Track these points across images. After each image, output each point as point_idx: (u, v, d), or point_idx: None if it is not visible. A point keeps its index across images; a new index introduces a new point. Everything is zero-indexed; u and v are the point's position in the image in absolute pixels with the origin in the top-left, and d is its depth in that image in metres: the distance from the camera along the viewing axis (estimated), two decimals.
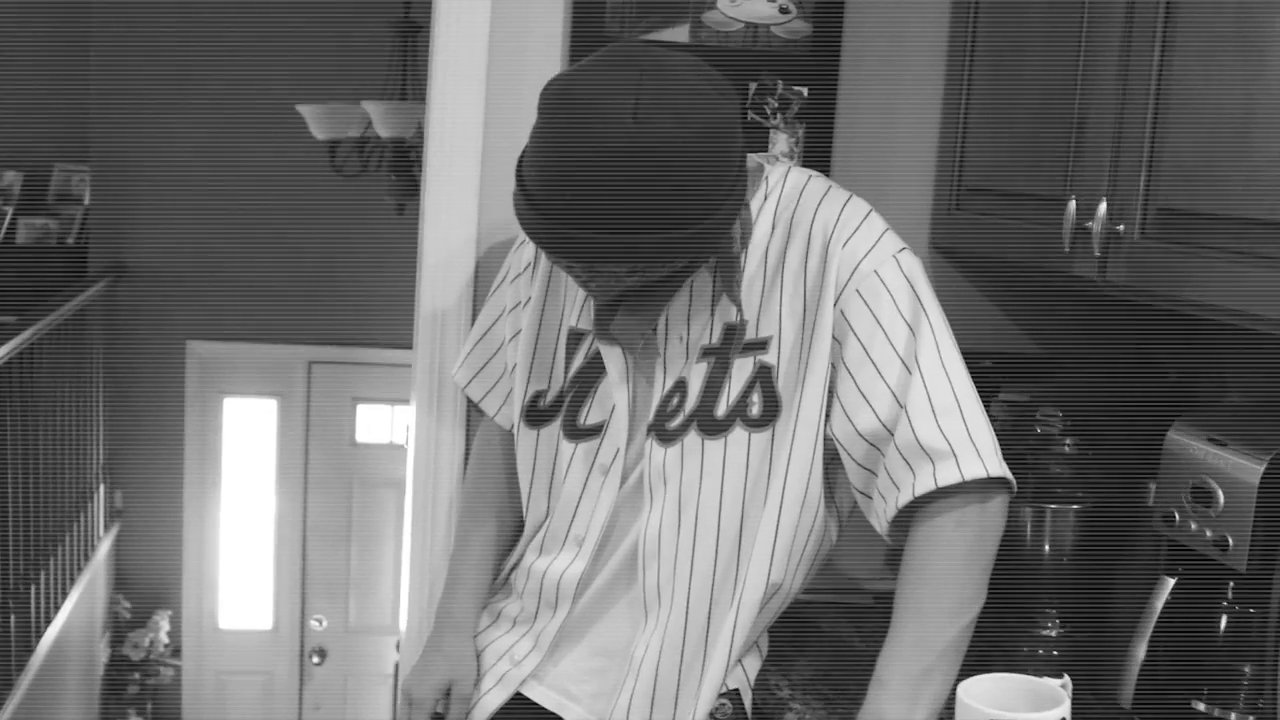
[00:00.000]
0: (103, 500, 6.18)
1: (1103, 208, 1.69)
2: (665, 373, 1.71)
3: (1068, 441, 1.96)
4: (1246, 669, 1.66)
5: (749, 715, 1.76)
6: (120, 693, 6.32)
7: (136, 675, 6.35)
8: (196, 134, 6.03)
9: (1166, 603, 1.66)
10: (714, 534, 1.70)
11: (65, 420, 5.51)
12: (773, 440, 1.68)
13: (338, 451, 6.71)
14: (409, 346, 2.17)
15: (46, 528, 5.18)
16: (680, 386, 1.70)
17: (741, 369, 1.68)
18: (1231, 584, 1.67)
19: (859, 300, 1.62)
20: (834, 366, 1.64)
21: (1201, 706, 1.66)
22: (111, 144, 6.17)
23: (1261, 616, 1.61)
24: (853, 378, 1.63)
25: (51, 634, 5.16)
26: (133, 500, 6.46)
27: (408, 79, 4.83)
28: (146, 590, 6.52)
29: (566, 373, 1.80)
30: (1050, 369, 2.17)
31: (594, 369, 1.77)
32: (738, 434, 1.68)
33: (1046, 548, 1.95)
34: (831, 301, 1.63)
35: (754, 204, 1.69)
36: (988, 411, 1.63)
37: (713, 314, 1.69)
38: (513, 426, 1.88)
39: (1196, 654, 1.68)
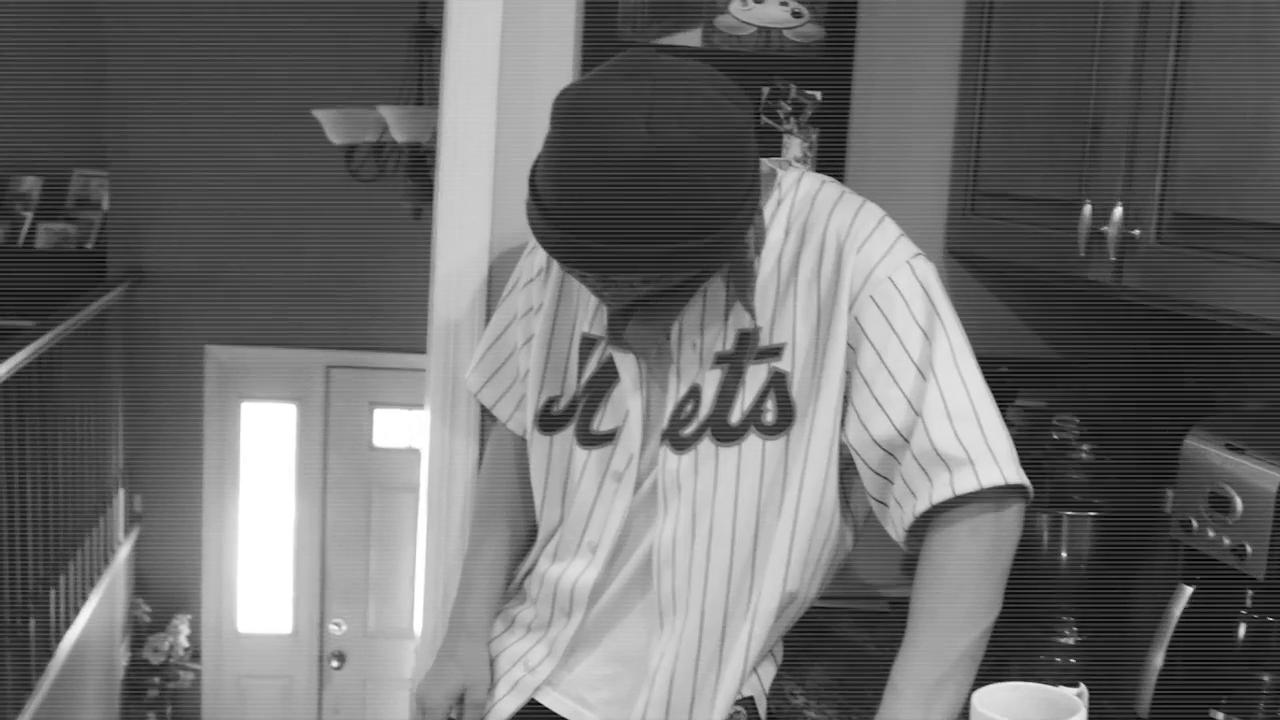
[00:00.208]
0: (122, 504, 6.20)
1: (1118, 212, 1.67)
2: (679, 379, 1.71)
3: (1084, 448, 1.95)
4: (1265, 678, 1.64)
5: None
6: (140, 696, 6.34)
7: (156, 679, 6.36)
8: (214, 139, 6.04)
9: (1184, 611, 1.65)
10: (729, 542, 1.70)
11: (85, 425, 5.53)
12: (788, 448, 1.67)
13: (356, 456, 6.72)
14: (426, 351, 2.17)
15: (66, 532, 5.20)
16: (694, 393, 1.70)
17: (756, 376, 1.67)
18: (1250, 592, 1.66)
19: (873, 307, 1.61)
20: (849, 373, 1.64)
21: (1220, 716, 1.64)
22: (130, 149, 6.19)
23: None
24: (868, 385, 1.62)
25: (71, 637, 5.18)
26: (152, 504, 6.48)
27: (423, 84, 4.83)
28: (166, 594, 6.54)
29: (579, 379, 1.79)
30: (1067, 374, 2.15)
31: (607, 375, 1.76)
32: (752, 441, 1.68)
33: (1063, 555, 1.94)
34: (846, 308, 1.62)
35: (767, 210, 1.68)
36: (1004, 417, 1.62)
37: (726, 320, 1.68)
38: (525, 432, 1.88)
39: (1215, 662, 1.66)
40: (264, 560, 6.78)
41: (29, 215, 6.73)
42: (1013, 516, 1.57)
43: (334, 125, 4.69)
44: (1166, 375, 2.08)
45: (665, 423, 1.71)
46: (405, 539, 6.56)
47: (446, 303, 2.13)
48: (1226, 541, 1.60)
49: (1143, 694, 1.66)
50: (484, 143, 2.10)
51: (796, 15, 2.14)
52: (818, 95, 2.17)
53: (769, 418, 1.67)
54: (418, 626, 2.21)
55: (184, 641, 6.45)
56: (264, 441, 6.68)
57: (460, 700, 1.88)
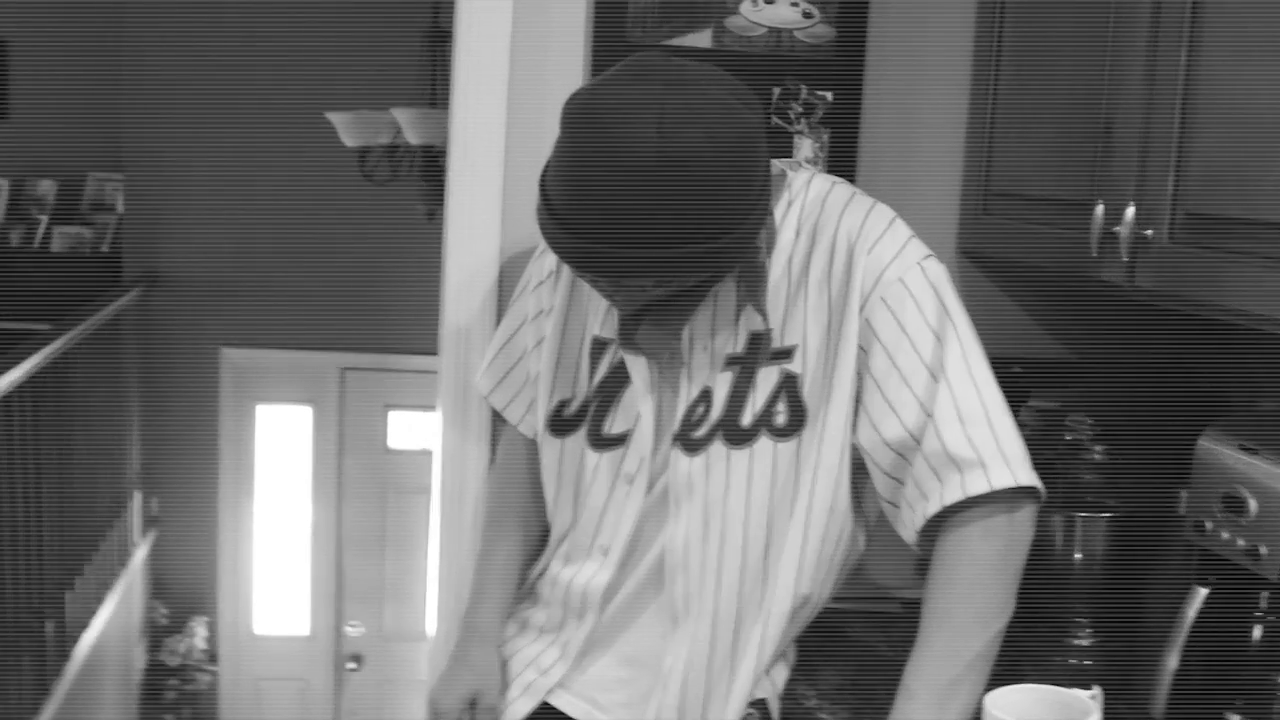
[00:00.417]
0: (138, 507, 6.22)
1: (1130, 212, 1.67)
2: (690, 382, 1.70)
3: (1098, 448, 1.94)
4: None
5: None
6: (158, 698, 6.36)
7: (173, 681, 6.38)
8: (228, 142, 6.06)
9: (1199, 612, 1.64)
10: (740, 545, 1.69)
11: (100, 428, 5.55)
12: (799, 450, 1.67)
13: (371, 458, 6.73)
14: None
15: (83, 534, 5.21)
16: (705, 396, 1.69)
17: (767, 378, 1.67)
18: (1265, 593, 1.65)
19: (884, 308, 1.61)
20: (860, 375, 1.63)
21: (1235, 718, 1.63)
22: (144, 152, 6.21)
23: None
24: (879, 387, 1.61)
25: (88, 640, 5.19)
26: (169, 507, 6.50)
27: (437, 86, 4.84)
28: (183, 596, 6.55)
29: (590, 382, 1.79)
30: (1080, 375, 2.15)
31: (618, 378, 1.76)
32: (763, 444, 1.67)
33: (1077, 556, 1.93)
34: (856, 310, 1.62)
35: (777, 211, 1.68)
36: (1016, 418, 1.61)
37: (737, 322, 1.68)
38: (536, 435, 1.88)
39: (1229, 664, 1.65)
40: (280, 562, 6.79)
41: (44, 218, 6.75)
42: (1025, 518, 1.57)
43: (347, 128, 4.70)
44: (1180, 376, 2.07)
45: (676, 425, 1.70)
46: (421, 541, 6.53)
47: (457, 306, 2.13)
48: (1241, 543, 1.59)
49: (1157, 696, 1.65)
50: (494, 145, 2.10)
51: (807, 16, 2.14)
52: (829, 96, 2.17)
53: (780, 420, 1.67)
54: (430, 629, 2.21)
55: (201, 644, 6.46)
56: (279, 444, 6.69)
57: (473, 705, 1.88)
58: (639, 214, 1.48)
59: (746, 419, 1.68)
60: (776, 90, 2.15)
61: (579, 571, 1.79)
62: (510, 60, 2.10)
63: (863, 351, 1.62)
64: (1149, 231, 1.64)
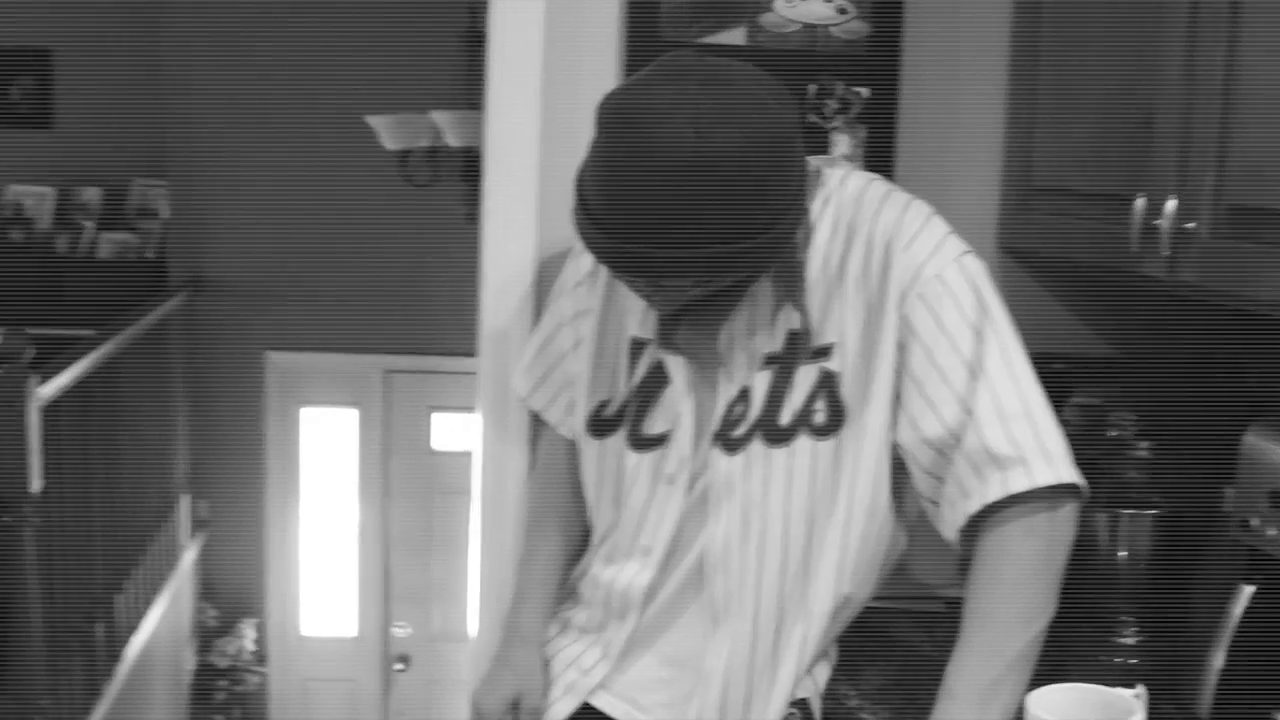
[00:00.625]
0: (187, 511, 6.27)
1: (1171, 205, 1.65)
2: (729, 381, 1.70)
3: (1142, 445, 1.92)
4: None
5: None
6: (208, 700, 6.40)
7: (224, 682, 6.42)
8: (270, 146, 6.09)
9: (1245, 610, 1.62)
10: (781, 544, 1.69)
11: (148, 432, 5.58)
12: (839, 449, 1.66)
13: (416, 459, 6.75)
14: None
15: (131, 538, 5.25)
16: (744, 394, 1.69)
17: (805, 376, 1.66)
18: None
19: (922, 305, 1.60)
20: (898, 373, 1.62)
21: None
22: (188, 159, 6.26)
23: None
24: (917, 385, 1.60)
25: (138, 643, 5.23)
26: (217, 510, 6.54)
27: (475, 88, 4.84)
28: (232, 599, 6.60)
29: (629, 382, 1.79)
30: (1124, 371, 2.12)
31: (657, 378, 1.75)
32: (803, 442, 1.66)
33: (1122, 554, 1.91)
34: (894, 307, 1.61)
35: (813, 209, 1.67)
36: (1060, 416, 1.60)
37: (775, 321, 1.67)
38: (576, 436, 1.88)
39: (1276, 663, 1.63)
40: (328, 564, 6.83)
41: (90, 225, 6.81)
42: (1067, 516, 1.55)
43: (388, 131, 4.72)
44: (1224, 371, 2.05)
45: (716, 424, 1.70)
46: (466, 542, 6.57)
47: (495, 308, 2.13)
48: None
49: (1203, 695, 1.64)
50: (529, 146, 2.10)
51: (842, 11, 2.13)
52: (864, 92, 2.15)
53: (820, 418, 1.66)
54: (473, 631, 2.22)
55: (250, 645, 6.50)
56: (325, 446, 6.72)
57: (515, 706, 1.88)
58: (676, 214, 1.47)
59: (785, 418, 1.67)
60: (812, 87, 2.14)
61: (620, 572, 1.79)
62: (543, 61, 2.10)
63: (901, 349, 1.61)
64: (1190, 225, 1.62)
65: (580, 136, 1.58)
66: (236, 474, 6.47)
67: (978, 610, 1.54)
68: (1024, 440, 1.54)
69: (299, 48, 6.01)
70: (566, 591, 1.93)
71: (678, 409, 1.73)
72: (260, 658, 6.60)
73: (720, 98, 1.47)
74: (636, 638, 1.79)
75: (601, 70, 2.09)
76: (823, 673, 1.77)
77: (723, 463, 1.69)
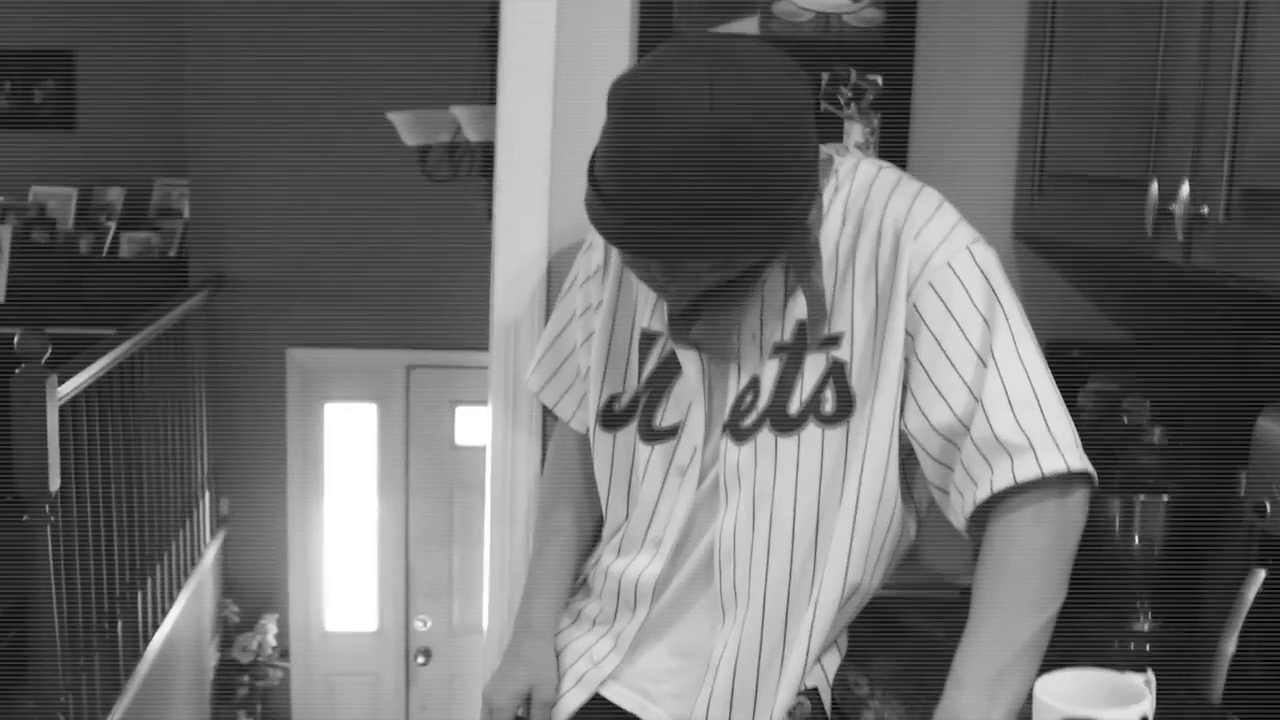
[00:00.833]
0: (209, 507, 6.29)
1: (1185, 189, 1.63)
2: (740, 371, 1.69)
3: (1156, 431, 1.91)
4: None
5: (828, 714, 1.73)
6: (230, 695, 6.43)
7: (246, 677, 6.44)
8: (290, 144, 6.11)
9: (1258, 595, 1.61)
10: (789, 533, 1.68)
11: (170, 429, 5.61)
12: (847, 437, 1.65)
13: (438, 454, 6.76)
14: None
15: (153, 535, 5.27)
16: (754, 384, 1.68)
17: (814, 365, 1.66)
18: None
19: (932, 293, 1.59)
20: (908, 361, 1.61)
21: None
22: (209, 158, 6.28)
23: None
24: (926, 372, 1.59)
25: (159, 639, 5.26)
26: (239, 507, 6.57)
27: (494, 83, 4.84)
28: (254, 594, 6.62)
29: (640, 375, 1.78)
30: (1138, 358, 2.11)
31: (668, 370, 1.75)
32: (811, 431, 1.66)
33: (1136, 540, 1.91)
34: (904, 295, 1.60)
35: (825, 195, 1.66)
36: (1075, 402, 1.59)
37: (784, 311, 1.66)
38: (588, 430, 1.87)
39: None
40: (349, 559, 6.84)
41: (113, 225, 6.85)
42: (1077, 503, 1.54)
43: (408, 127, 4.72)
44: (1238, 356, 2.04)
45: (726, 414, 1.70)
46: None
47: (506, 302, 2.13)
48: None
49: (1215, 680, 1.63)
50: (540, 141, 2.10)
51: None
52: (878, 80, 2.15)
53: (828, 407, 1.65)
54: (485, 624, 2.22)
55: (272, 640, 6.53)
56: (346, 442, 6.73)
57: (528, 700, 1.88)
58: (693, 189, 1.45)
59: (794, 406, 1.66)
60: (825, 75, 2.13)
61: (631, 563, 1.79)
62: (555, 55, 2.09)
63: (910, 337, 1.61)
64: (1204, 209, 1.61)
65: (592, 132, 1.57)
66: (258, 470, 6.49)
67: (986, 597, 1.54)
68: (1033, 428, 1.53)
69: (319, 46, 6.02)
70: (578, 583, 1.93)
71: (689, 400, 1.72)
72: (282, 653, 6.63)
73: (735, 71, 1.46)
74: (647, 629, 1.79)
75: (614, 65, 2.08)
76: (832, 662, 1.76)
77: (732, 452, 1.69)
